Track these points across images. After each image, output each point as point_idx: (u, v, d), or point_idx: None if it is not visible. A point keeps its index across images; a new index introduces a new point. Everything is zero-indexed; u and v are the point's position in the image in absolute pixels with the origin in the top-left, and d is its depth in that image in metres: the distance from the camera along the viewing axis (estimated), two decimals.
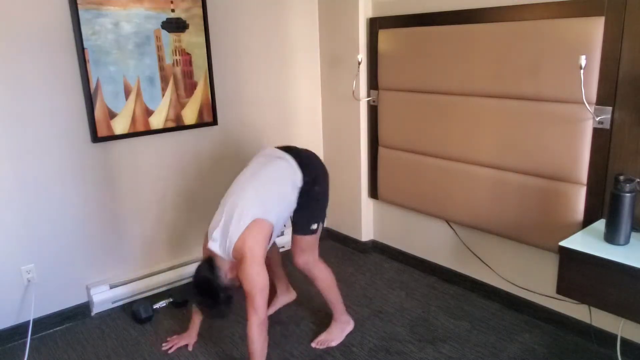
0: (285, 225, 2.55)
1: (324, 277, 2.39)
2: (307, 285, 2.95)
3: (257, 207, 2.12)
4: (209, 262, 2.16)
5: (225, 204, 2.16)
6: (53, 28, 2.41)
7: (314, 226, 2.31)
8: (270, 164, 2.25)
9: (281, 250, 2.70)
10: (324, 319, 2.59)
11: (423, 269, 3.11)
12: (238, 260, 2.09)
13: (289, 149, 2.34)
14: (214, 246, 2.12)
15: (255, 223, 2.08)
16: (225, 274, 2.14)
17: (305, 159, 2.30)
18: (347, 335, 2.48)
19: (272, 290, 2.75)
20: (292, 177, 2.23)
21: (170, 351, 2.42)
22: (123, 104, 2.65)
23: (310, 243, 2.34)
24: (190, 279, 2.97)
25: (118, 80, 2.61)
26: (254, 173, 2.23)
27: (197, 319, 2.46)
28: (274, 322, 2.63)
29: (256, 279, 2.03)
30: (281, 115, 3.32)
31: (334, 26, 3.23)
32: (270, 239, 2.18)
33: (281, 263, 2.69)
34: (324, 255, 3.40)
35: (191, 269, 2.98)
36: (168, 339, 2.49)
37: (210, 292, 2.11)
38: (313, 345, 2.41)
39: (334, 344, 2.41)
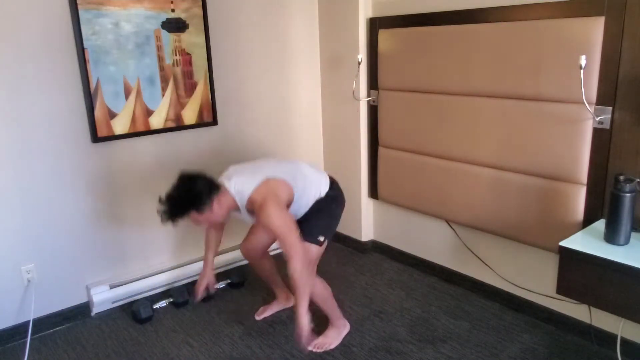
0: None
1: (319, 292, 2.33)
2: None
3: (278, 171, 2.21)
4: (212, 181, 2.12)
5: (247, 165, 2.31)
6: (53, 28, 2.41)
7: (321, 238, 2.28)
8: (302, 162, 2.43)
9: (272, 253, 2.69)
10: (324, 320, 2.59)
11: (423, 269, 3.11)
12: (256, 210, 2.11)
13: None
14: (227, 183, 2.16)
15: (271, 180, 2.16)
16: (217, 201, 2.10)
17: (333, 181, 2.42)
18: (347, 336, 2.48)
19: (272, 296, 2.76)
20: (320, 179, 2.35)
21: (196, 300, 2.49)
22: (123, 104, 2.65)
23: (312, 254, 2.27)
24: (191, 279, 2.99)
25: (118, 80, 2.61)
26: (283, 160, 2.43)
27: (210, 254, 2.49)
28: (274, 322, 2.63)
29: (279, 219, 2.06)
30: (281, 115, 3.32)
31: (334, 26, 3.23)
32: (289, 204, 2.20)
33: (276, 270, 2.66)
34: (323, 254, 3.40)
35: (191, 269, 2.99)
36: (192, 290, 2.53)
37: (192, 190, 2.05)
38: (310, 348, 2.40)
39: (332, 346, 2.41)
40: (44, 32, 2.39)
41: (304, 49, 3.32)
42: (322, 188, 2.33)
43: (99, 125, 2.59)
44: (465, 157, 2.63)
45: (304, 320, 2.05)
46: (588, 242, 1.97)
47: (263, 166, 2.29)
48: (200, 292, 2.44)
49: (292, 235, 2.06)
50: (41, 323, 2.60)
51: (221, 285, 3.00)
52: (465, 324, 2.56)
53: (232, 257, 3.18)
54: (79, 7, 2.43)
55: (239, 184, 2.15)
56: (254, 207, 2.12)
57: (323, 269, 2.86)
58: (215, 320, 2.67)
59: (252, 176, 2.17)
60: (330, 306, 2.42)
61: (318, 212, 2.31)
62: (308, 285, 2.10)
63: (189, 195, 2.04)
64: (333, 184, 2.40)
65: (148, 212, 2.87)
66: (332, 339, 2.44)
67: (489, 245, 2.71)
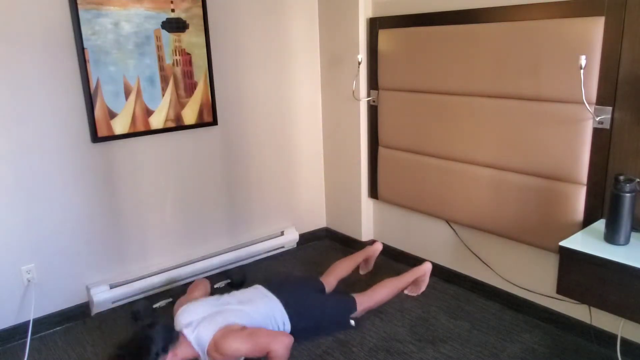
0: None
1: (383, 297, 2.59)
2: None
3: (235, 317, 2.15)
4: (171, 331, 2.07)
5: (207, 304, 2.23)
6: (53, 28, 2.41)
7: (352, 322, 2.49)
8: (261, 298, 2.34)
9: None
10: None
11: None
12: (211, 350, 2.05)
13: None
14: (186, 330, 2.08)
15: (224, 328, 2.09)
16: (173, 354, 2.02)
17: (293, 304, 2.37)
18: (347, 336, 2.48)
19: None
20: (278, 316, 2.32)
21: None
22: (123, 104, 2.65)
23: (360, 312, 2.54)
24: (191, 279, 2.99)
25: (118, 80, 2.61)
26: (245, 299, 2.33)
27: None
28: None
29: (242, 345, 2.02)
30: (281, 115, 3.32)
31: (334, 26, 3.23)
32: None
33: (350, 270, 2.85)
34: (323, 255, 3.40)
35: (191, 269, 2.99)
36: None
37: (144, 349, 1.95)
38: (406, 292, 2.83)
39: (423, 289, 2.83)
40: (44, 32, 2.39)
41: (304, 49, 3.32)
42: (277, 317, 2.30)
43: (99, 125, 2.59)
44: (465, 157, 2.63)
45: None
46: (588, 242, 1.97)
47: (224, 308, 2.20)
48: None
49: (260, 337, 2.05)
50: (41, 323, 2.61)
51: (221, 285, 3.00)
52: (465, 324, 2.56)
53: (232, 257, 3.18)
54: (79, 7, 2.43)
55: (200, 330, 2.07)
56: (210, 353, 2.04)
57: (323, 269, 2.86)
58: None
59: (212, 320, 2.10)
60: (398, 287, 2.66)
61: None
62: None
63: (141, 347, 1.95)
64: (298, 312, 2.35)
65: (148, 212, 2.87)
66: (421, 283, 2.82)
67: (489, 245, 2.71)
